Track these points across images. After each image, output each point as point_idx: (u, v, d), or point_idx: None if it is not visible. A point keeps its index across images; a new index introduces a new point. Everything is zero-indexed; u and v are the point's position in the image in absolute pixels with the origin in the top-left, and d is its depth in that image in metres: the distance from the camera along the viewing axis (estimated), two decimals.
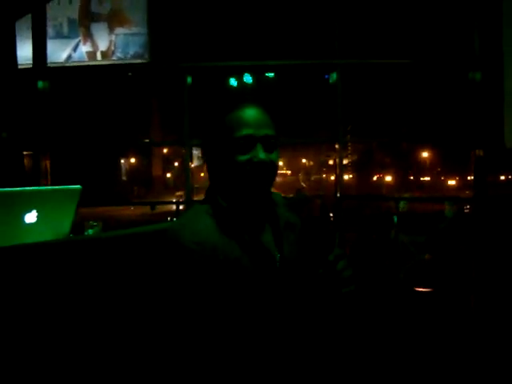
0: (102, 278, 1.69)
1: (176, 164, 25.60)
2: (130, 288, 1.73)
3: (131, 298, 1.72)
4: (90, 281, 1.67)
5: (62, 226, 1.95)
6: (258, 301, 1.30)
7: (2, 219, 1.79)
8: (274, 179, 1.36)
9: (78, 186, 1.94)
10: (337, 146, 4.71)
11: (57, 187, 1.94)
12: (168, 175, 26.05)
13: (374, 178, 26.57)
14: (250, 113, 1.32)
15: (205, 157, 1.39)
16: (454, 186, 26.40)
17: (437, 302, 3.82)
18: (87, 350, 1.63)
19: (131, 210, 14.91)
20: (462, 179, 24.88)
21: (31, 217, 1.84)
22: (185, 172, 4.80)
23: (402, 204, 4.33)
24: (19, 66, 4.55)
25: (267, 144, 1.32)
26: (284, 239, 1.41)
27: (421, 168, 27.98)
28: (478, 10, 4.52)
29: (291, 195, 4.17)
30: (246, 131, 1.29)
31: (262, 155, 1.29)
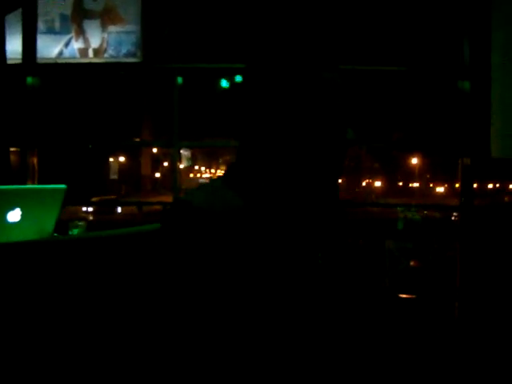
0: (90, 279, 1.68)
1: (165, 164, 25.56)
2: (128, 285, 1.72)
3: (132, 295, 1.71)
4: (76, 281, 1.66)
5: (46, 225, 1.93)
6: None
7: None
8: None
9: (63, 186, 1.93)
10: None
11: (41, 186, 1.93)
12: (157, 175, 26.01)
13: (363, 184, 26.69)
14: None
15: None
16: (442, 193, 26.59)
17: (420, 309, 3.84)
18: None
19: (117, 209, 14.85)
20: (450, 187, 25.07)
21: (15, 215, 1.82)
22: (173, 173, 4.78)
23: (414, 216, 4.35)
24: (8, 61, 4.52)
25: None
26: None
27: (410, 174, 28.15)
28: (467, 20, 4.56)
29: None
30: None
31: None
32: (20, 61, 4.92)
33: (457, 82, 4.63)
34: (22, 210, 1.83)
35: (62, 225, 2.02)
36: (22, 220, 1.83)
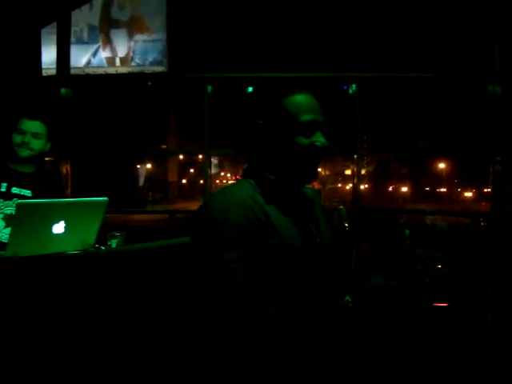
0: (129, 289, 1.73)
1: (192, 171, 25.73)
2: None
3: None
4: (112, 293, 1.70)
5: (89, 236, 1.99)
6: (305, 273, 1.30)
7: (32, 229, 1.84)
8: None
9: (105, 198, 1.98)
10: (355, 157, 4.72)
11: (84, 199, 1.99)
12: (183, 181, 26.20)
13: (390, 189, 26.45)
14: (310, 98, 1.36)
15: (248, 139, 1.38)
16: (470, 197, 26.16)
17: (453, 317, 3.80)
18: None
19: (146, 216, 14.96)
20: (478, 191, 24.66)
21: (59, 227, 1.89)
22: (204, 179, 4.84)
23: (428, 220, 4.31)
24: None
25: (323, 130, 1.37)
26: (319, 219, 1.45)
27: (437, 179, 27.79)
28: (498, 24, 4.51)
29: None
30: (310, 116, 1.33)
31: (323, 140, 1.34)
32: (50, 70, 5.01)
33: (487, 86, 4.58)
34: (66, 222, 1.89)
35: (101, 235, 2.07)
36: (66, 232, 1.89)
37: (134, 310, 1.72)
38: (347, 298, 1.23)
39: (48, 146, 2.60)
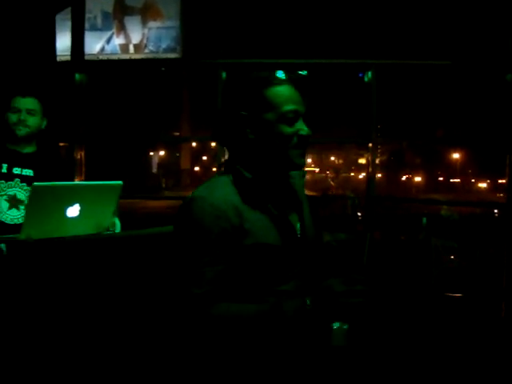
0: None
1: (204, 158, 25.73)
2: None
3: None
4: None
5: (103, 220, 1.99)
6: (282, 269, 1.37)
7: (45, 212, 1.85)
8: None
9: (120, 182, 1.98)
10: (370, 145, 4.68)
11: (99, 182, 1.98)
12: (196, 168, 26.23)
13: (403, 178, 26.28)
14: (291, 89, 1.41)
15: (231, 129, 1.43)
16: (484, 188, 25.91)
17: (467, 308, 3.77)
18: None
19: (161, 202, 15.00)
20: (493, 182, 24.42)
21: (73, 211, 1.89)
22: (218, 166, 4.86)
23: (444, 211, 4.27)
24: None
25: (305, 119, 1.42)
26: (304, 209, 1.50)
27: (451, 169, 27.55)
28: None
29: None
30: (292, 106, 1.38)
31: (306, 129, 1.40)
32: (65, 58, 5.02)
33: (505, 75, 4.51)
34: (80, 205, 1.89)
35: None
36: (81, 215, 1.89)
37: (147, 294, 1.72)
38: (307, 300, 1.28)
39: (44, 122, 2.58)
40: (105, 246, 1.76)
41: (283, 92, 1.39)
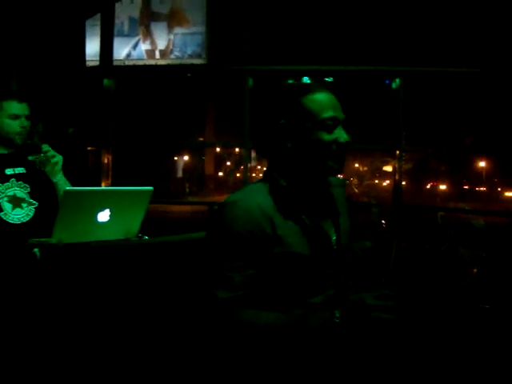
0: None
1: (228, 163, 25.81)
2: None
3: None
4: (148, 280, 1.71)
5: (133, 225, 2.00)
6: (313, 280, 1.36)
7: (77, 217, 1.86)
8: None
9: (150, 188, 1.99)
10: (397, 153, 4.64)
11: (130, 188, 1.99)
12: (220, 174, 26.31)
13: (428, 186, 25.97)
14: (330, 96, 1.39)
15: (269, 139, 1.41)
16: (511, 197, 25.46)
17: (494, 319, 3.70)
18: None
19: (182, 207, 15.07)
20: None
21: (104, 215, 1.90)
22: (244, 172, 4.88)
23: (473, 220, 4.21)
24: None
25: (344, 126, 1.39)
26: (340, 220, 1.47)
27: (477, 178, 27.14)
28: None
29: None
30: (331, 113, 1.36)
31: (346, 136, 1.37)
32: (93, 63, 5.09)
33: None
34: (111, 210, 1.90)
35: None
36: (111, 220, 1.90)
37: (175, 300, 1.72)
38: (336, 312, 1.26)
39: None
40: (134, 252, 1.77)
41: (321, 99, 1.36)
